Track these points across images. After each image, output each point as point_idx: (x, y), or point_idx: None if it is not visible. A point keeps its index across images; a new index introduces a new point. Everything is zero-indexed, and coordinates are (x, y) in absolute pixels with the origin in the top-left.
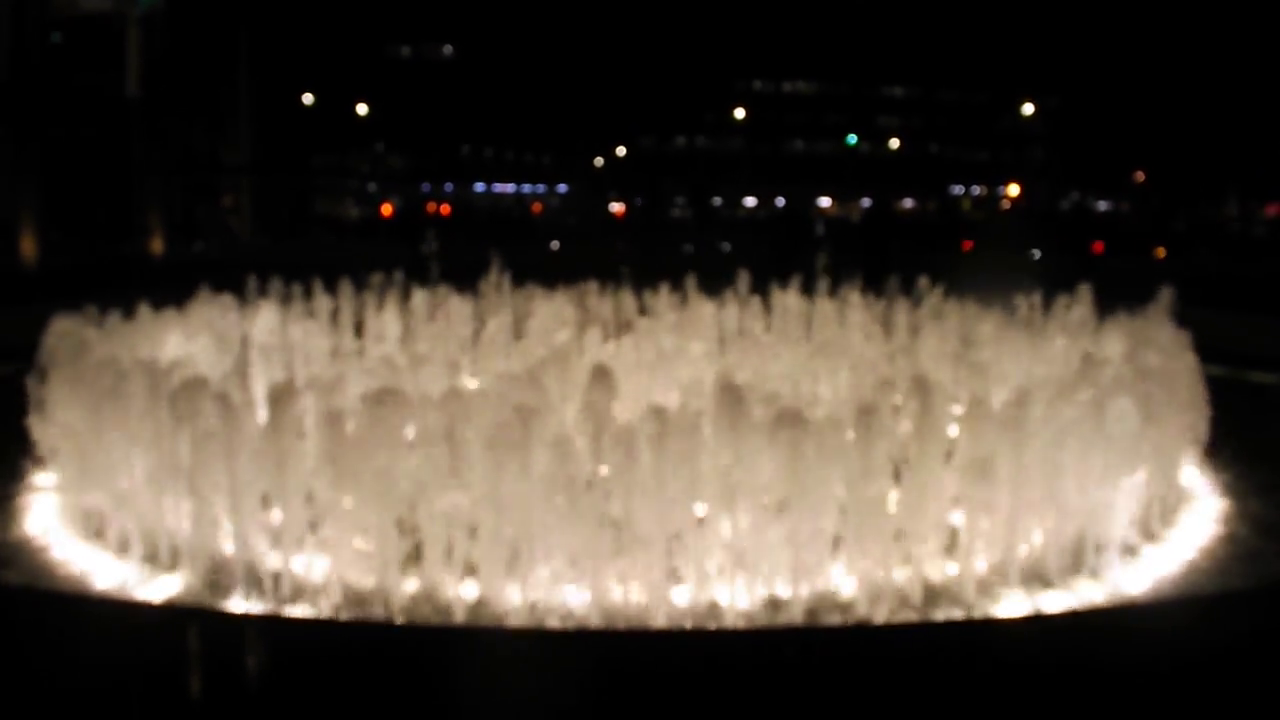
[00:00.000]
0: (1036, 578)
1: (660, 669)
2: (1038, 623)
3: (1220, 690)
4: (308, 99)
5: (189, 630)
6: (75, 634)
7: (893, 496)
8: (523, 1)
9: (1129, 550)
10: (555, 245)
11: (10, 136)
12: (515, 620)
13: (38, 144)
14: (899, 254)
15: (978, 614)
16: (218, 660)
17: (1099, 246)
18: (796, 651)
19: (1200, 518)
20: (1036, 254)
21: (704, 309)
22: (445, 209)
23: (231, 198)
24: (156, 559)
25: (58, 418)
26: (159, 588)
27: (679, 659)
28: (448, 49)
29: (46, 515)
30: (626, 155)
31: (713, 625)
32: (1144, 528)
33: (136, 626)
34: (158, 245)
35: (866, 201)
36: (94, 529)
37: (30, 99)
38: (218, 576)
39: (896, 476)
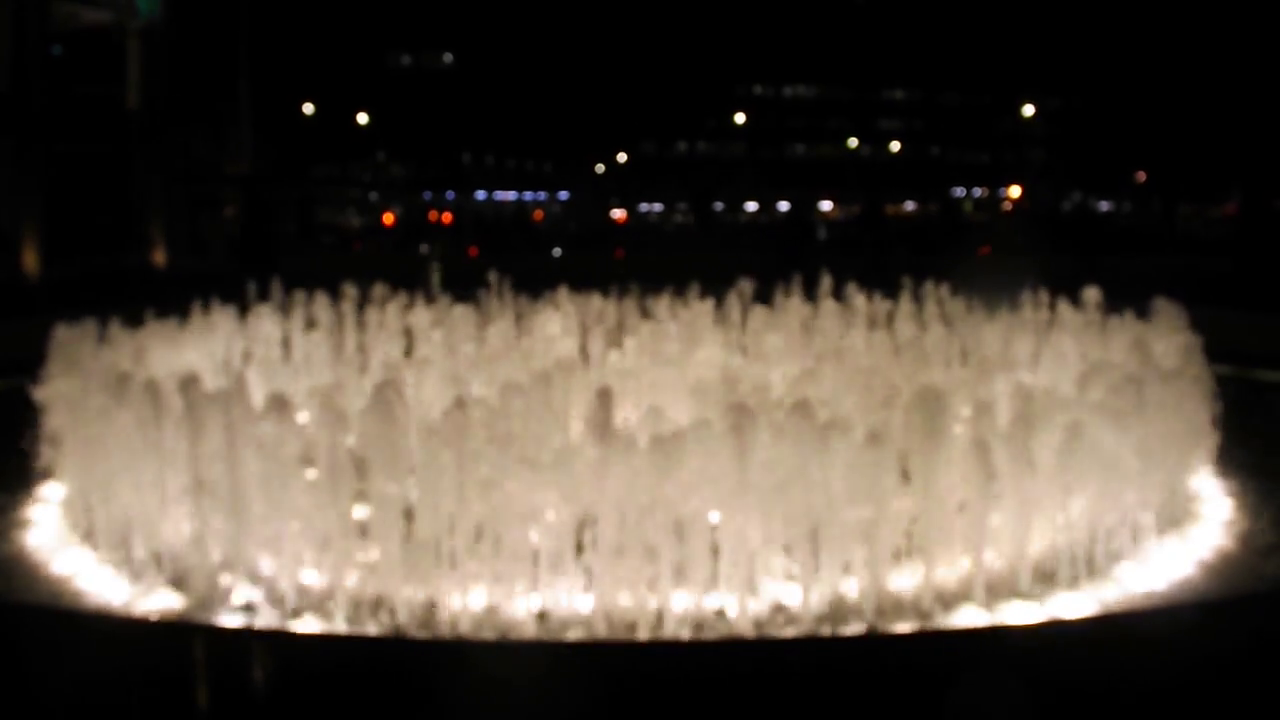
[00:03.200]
0: (1047, 580)
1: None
2: (1050, 629)
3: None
4: (309, 109)
5: (192, 645)
6: (76, 649)
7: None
8: (522, 9)
9: (1140, 550)
10: (558, 253)
11: (12, 148)
12: (524, 631)
13: (39, 156)
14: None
15: (988, 619)
16: (220, 675)
17: None
18: (804, 661)
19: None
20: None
21: (706, 313)
22: (447, 217)
23: (233, 209)
24: (158, 572)
25: (61, 430)
26: (160, 601)
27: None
28: (448, 57)
29: (50, 528)
30: (628, 161)
31: (719, 634)
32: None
33: (137, 641)
34: (160, 256)
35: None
36: (97, 542)
37: (32, 111)
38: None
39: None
